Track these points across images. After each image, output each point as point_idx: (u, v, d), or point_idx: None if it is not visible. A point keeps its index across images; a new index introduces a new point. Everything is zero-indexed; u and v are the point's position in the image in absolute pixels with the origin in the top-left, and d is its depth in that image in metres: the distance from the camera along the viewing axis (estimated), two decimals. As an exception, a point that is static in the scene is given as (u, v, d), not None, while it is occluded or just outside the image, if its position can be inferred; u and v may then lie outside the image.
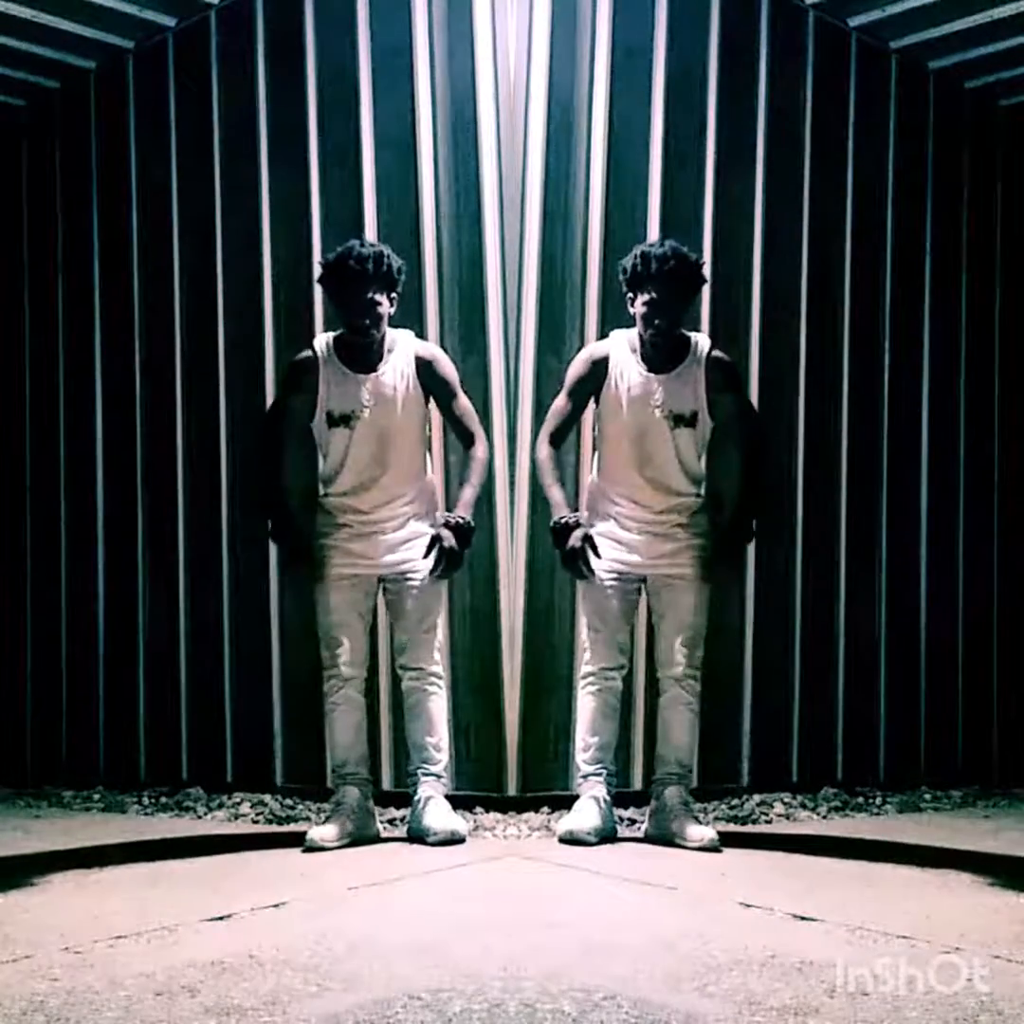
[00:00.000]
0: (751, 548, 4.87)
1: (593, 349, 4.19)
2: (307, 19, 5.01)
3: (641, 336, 4.06)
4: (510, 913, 3.10)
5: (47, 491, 5.91)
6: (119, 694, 5.61)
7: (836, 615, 5.43)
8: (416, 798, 4.09)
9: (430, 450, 4.26)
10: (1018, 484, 6.03)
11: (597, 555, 4.01)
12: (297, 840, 3.99)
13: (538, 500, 4.57)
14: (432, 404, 4.14)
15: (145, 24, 5.37)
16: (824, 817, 4.81)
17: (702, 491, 4.15)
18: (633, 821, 4.36)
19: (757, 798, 4.91)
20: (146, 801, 5.08)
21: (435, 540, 4.02)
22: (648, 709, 4.60)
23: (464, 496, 4.10)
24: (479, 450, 4.15)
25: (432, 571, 4.04)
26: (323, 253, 4.44)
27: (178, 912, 3.09)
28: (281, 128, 5.13)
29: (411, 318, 4.57)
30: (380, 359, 4.08)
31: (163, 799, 5.08)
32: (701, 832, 4.00)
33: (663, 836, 4.04)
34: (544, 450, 4.15)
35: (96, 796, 5.25)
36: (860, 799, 5.11)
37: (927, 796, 5.26)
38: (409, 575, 4.08)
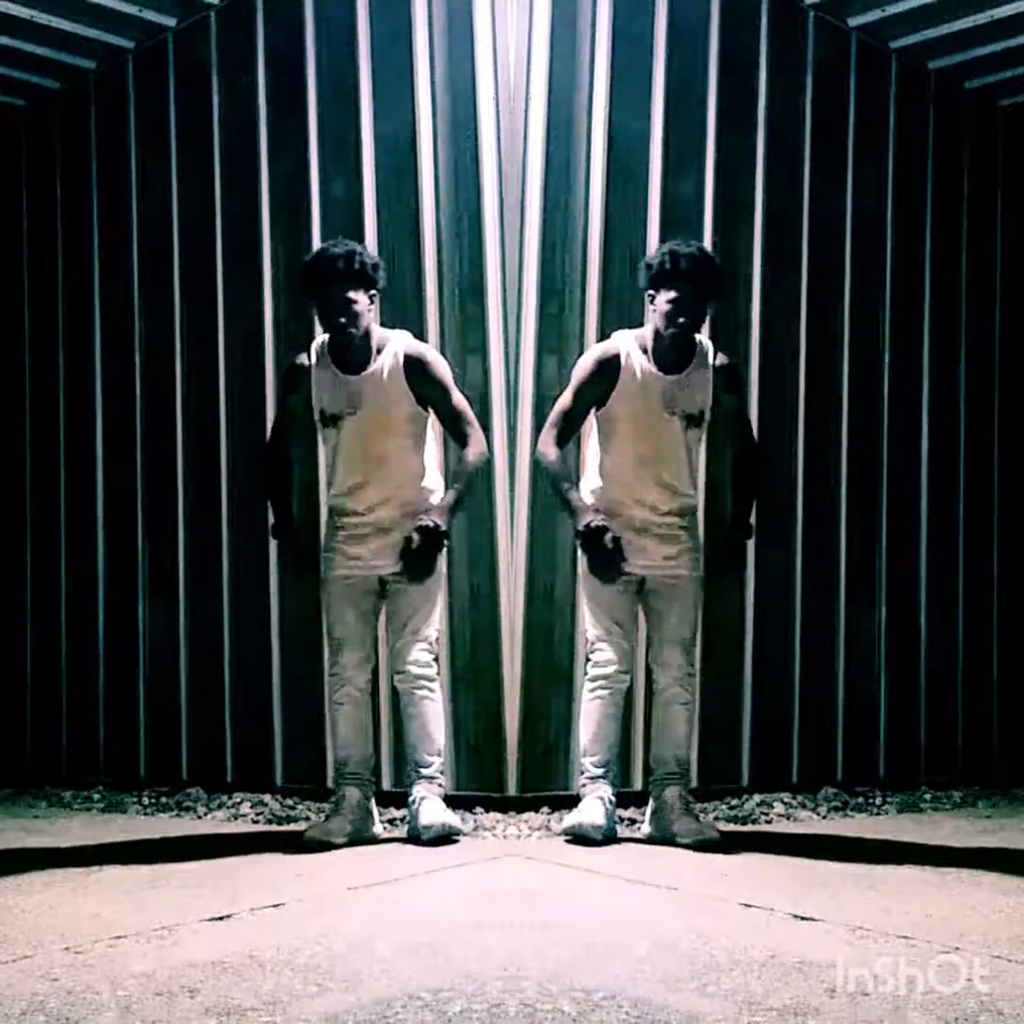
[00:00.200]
0: (751, 548, 4.87)
1: (603, 349, 4.11)
2: (307, 19, 5.01)
3: (659, 334, 4.03)
4: (510, 913, 3.09)
5: (47, 491, 5.91)
6: (119, 694, 5.61)
7: (836, 615, 5.43)
8: (410, 799, 4.09)
9: (424, 451, 4.18)
10: (1019, 484, 6.03)
11: (624, 558, 3.99)
12: (297, 840, 4.00)
13: (538, 500, 4.57)
14: (432, 403, 4.13)
15: (145, 24, 5.37)
16: (824, 817, 4.81)
17: (698, 492, 4.15)
18: (633, 821, 4.36)
19: (757, 798, 4.91)
20: (146, 801, 5.08)
21: (406, 542, 4.00)
22: (648, 709, 4.59)
23: (442, 499, 4.05)
24: (470, 453, 4.08)
25: (400, 573, 4.02)
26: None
27: (178, 912, 3.09)
28: (281, 128, 5.14)
29: (411, 318, 4.58)
30: (369, 359, 4.07)
31: (163, 799, 5.08)
32: (704, 830, 4.00)
33: (665, 836, 4.03)
34: (552, 453, 4.08)
35: (96, 796, 5.25)
36: (860, 799, 5.11)
37: (927, 796, 5.26)
38: (399, 578, 4.06)
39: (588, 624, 4.16)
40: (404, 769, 4.34)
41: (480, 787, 4.60)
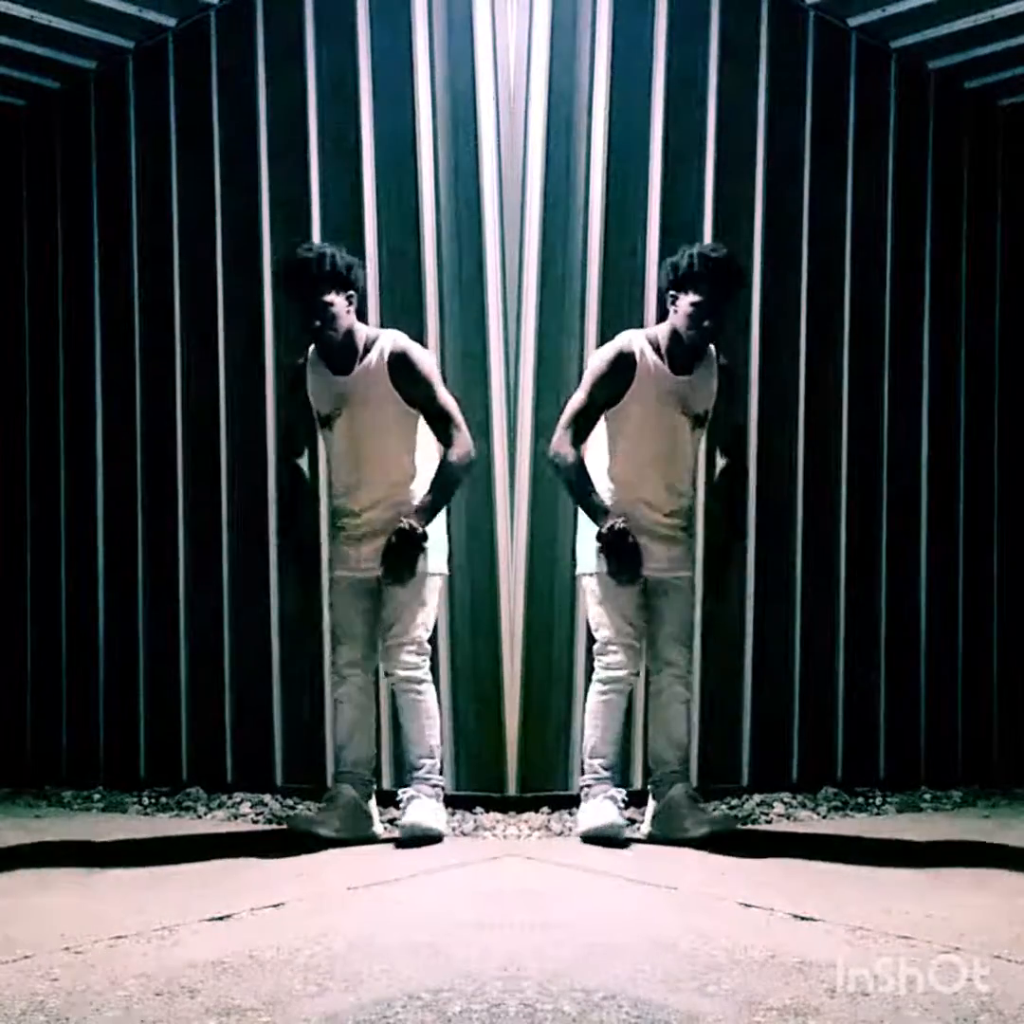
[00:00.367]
0: (751, 548, 4.87)
1: (619, 346, 4.05)
2: (307, 19, 5.01)
3: (678, 335, 4.01)
4: (510, 913, 3.09)
5: (47, 491, 5.91)
6: (119, 694, 5.61)
7: (836, 615, 5.43)
8: (397, 799, 4.11)
9: (416, 451, 4.12)
10: (1019, 484, 6.03)
11: (642, 560, 3.99)
12: (297, 840, 3.99)
13: (538, 500, 4.57)
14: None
15: (145, 24, 5.37)
16: (824, 817, 4.81)
17: (697, 492, 4.16)
18: (633, 821, 4.35)
19: (757, 798, 4.90)
20: (146, 801, 5.08)
21: (387, 544, 3.98)
22: (648, 709, 4.58)
23: (420, 502, 4.00)
24: (452, 455, 4.01)
25: (381, 575, 4.02)
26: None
27: (178, 912, 3.09)
28: (281, 128, 5.14)
29: (411, 318, 4.58)
30: (356, 359, 4.05)
31: (163, 799, 5.08)
32: (717, 819, 4.05)
33: (673, 834, 4.00)
34: (571, 454, 4.02)
35: (96, 796, 5.25)
36: (860, 799, 5.11)
37: (927, 796, 5.26)
38: (385, 580, 4.05)
39: (599, 626, 4.10)
40: (404, 769, 4.34)
41: (480, 787, 4.59)
